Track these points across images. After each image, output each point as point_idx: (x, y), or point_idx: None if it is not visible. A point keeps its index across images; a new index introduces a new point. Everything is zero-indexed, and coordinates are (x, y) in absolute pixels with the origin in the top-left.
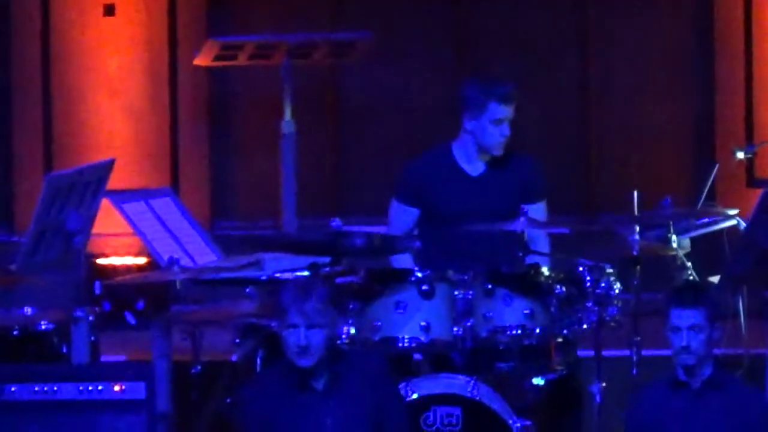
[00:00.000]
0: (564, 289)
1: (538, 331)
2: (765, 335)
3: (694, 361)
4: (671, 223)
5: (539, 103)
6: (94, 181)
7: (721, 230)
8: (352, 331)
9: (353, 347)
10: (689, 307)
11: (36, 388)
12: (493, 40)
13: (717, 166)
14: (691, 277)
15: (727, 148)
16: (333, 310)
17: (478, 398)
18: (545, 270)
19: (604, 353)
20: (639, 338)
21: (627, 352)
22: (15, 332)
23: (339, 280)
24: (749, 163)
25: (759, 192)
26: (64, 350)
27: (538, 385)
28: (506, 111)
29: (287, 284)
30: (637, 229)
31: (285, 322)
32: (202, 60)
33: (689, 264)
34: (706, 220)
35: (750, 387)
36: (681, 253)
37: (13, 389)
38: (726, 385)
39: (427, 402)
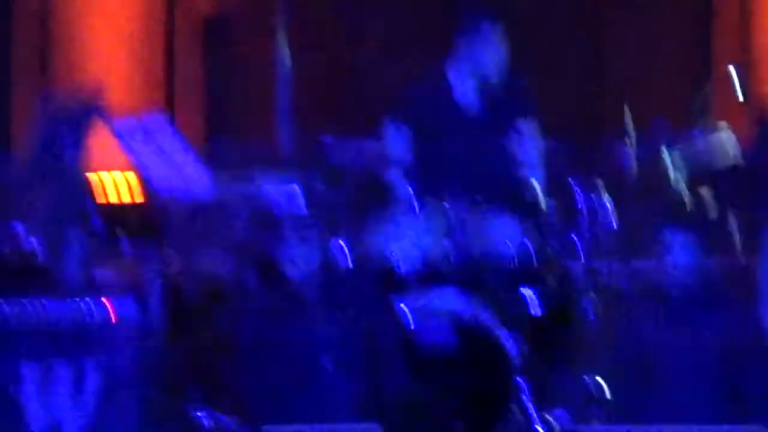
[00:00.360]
0: (554, 204)
1: (529, 246)
2: None
3: None
4: (663, 143)
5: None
6: (86, 110)
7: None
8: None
9: None
10: None
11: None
12: None
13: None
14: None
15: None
16: None
17: (470, 311)
18: (537, 185)
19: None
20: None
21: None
22: None
23: (330, 195)
24: None
25: None
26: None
27: (528, 299)
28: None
29: None
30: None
31: None
32: None
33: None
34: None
35: None
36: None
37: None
38: None
39: (421, 317)
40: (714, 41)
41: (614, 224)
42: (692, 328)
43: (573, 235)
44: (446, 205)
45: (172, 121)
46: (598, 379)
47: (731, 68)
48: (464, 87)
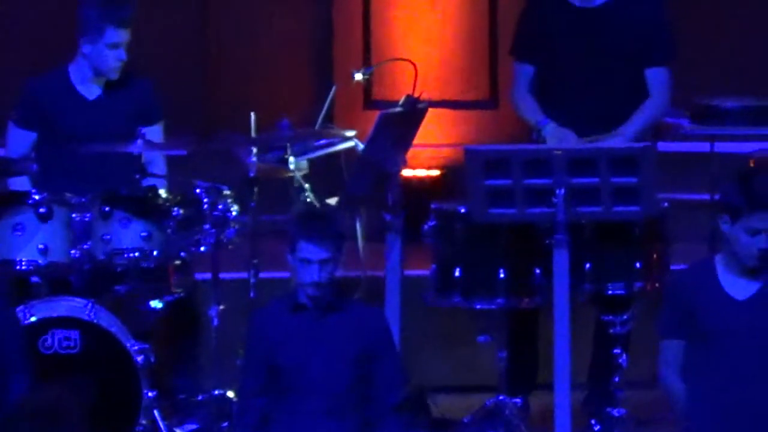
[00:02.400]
0: (181, 211)
1: (155, 253)
2: (382, 257)
3: (322, 291)
4: (288, 144)
5: (157, 22)
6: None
7: (339, 152)
8: None
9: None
10: (319, 242)
11: None
12: None
13: (335, 87)
14: (309, 200)
15: (345, 69)
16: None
17: (95, 321)
18: (162, 192)
19: (222, 276)
20: (257, 260)
21: (245, 275)
22: None
23: None
24: (367, 85)
25: (376, 114)
26: None
27: (155, 308)
28: (123, 35)
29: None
30: (255, 150)
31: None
32: None
33: (307, 186)
34: (324, 141)
35: (370, 307)
36: (299, 174)
37: None
38: (346, 307)
39: (45, 325)
40: (336, 56)
41: (241, 232)
42: (330, 334)
43: (200, 243)
44: (73, 214)
45: None
46: (230, 393)
47: (355, 73)
48: (87, 89)
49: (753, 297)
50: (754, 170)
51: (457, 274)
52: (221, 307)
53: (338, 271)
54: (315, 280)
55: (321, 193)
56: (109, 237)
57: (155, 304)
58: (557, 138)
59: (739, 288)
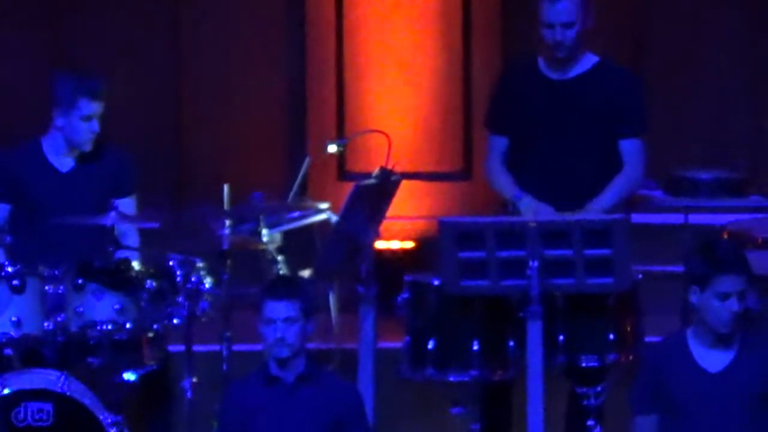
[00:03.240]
0: (154, 283)
1: (128, 325)
2: (355, 329)
3: (289, 353)
4: (262, 216)
5: (131, 94)
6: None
7: (313, 224)
8: None
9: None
10: (283, 299)
11: None
12: (88, 30)
13: (308, 159)
14: (282, 272)
15: (318, 140)
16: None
17: (68, 393)
18: (136, 264)
19: (195, 348)
20: (230, 333)
21: (218, 347)
22: None
23: None
24: (340, 157)
25: (350, 185)
26: None
27: (128, 381)
28: (95, 107)
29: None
30: (228, 222)
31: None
32: None
33: (281, 258)
34: (297, 213)
35: (342, 380)
36: (272, 247)
37: None
38: (319, 379)
39: (18, 397)
40: (310, 128)
41: (214, 305)
42: (303, 408)
43: (174, 315)
44: (46, 286)
45: None
46: None
47: (329, 145)
48: (60, 161)
49: (725, 369)
50: (715, 238)
51: (430, 346)
52: (194, 379)
53: (310, 343)
54: (277, 337)
55: (294, 266)
56: (82, 309)
57: (128, 376)
58: (533, 212)
59: (711, 360)
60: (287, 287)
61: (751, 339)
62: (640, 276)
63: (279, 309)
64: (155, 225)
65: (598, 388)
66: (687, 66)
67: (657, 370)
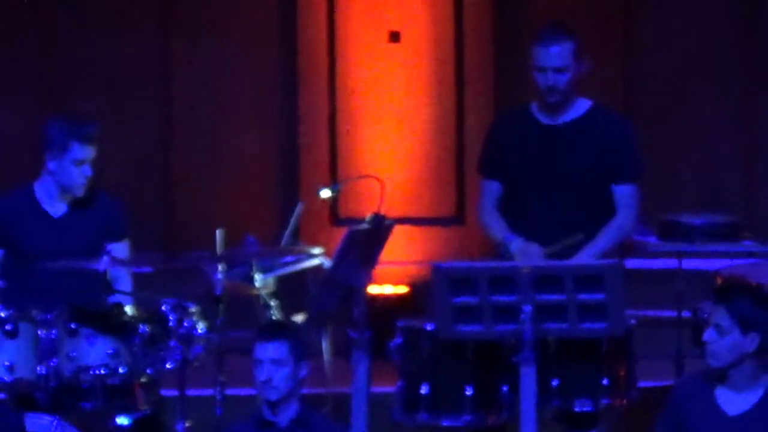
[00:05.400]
0: (148, 328)
1: (121, 370)
2: (348, 374)
3: (277, 396)
4: (254, 261)
5: (122, 139)
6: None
7: (306, 269)
8: None
9: None
10: (271, 341)
11: None
12: (79, 77)
13: (301, 204)
14: (275, 316)
15: (311, 185)
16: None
17: None
18: (129, 309)
19: (189, 392)
20: (223, 377)
21: (211, 391)
22: None
23: None
24: (333, 202)
25: (343, 231)
26: None
27: (122, 425)
28: (88, 151)
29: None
30: (221, 267)
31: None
32: None
33: (273, 303)
34: (290, 258)
35: (336, 424)
36: (264, 292)
37: None
38: (312, 424)
39: None
40: (302, 173)
41: (207, 349)
42: None
43: (167, 360)
44: (39, 330)
45: None
46: None
47: (321, 190)
48: (53, 206)
49: (745, 413)
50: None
51: (423, 391)
52: (188, 423)
53: (304, 388)
54: (264, 379)
55: (287, 310)
56: (75, 354)
57: (122, 420)
58: (524, 253)
59: (733, 403)
60: (276, 329)
61: None
62: (634, 321)
63: (266, 350)
64: (148, 270)
65: None
66: (677, 111)
67: (678, 406)
